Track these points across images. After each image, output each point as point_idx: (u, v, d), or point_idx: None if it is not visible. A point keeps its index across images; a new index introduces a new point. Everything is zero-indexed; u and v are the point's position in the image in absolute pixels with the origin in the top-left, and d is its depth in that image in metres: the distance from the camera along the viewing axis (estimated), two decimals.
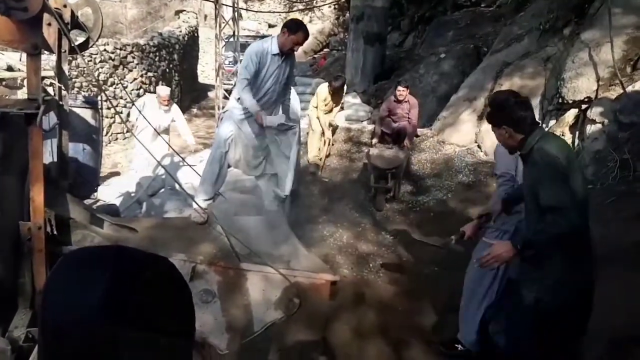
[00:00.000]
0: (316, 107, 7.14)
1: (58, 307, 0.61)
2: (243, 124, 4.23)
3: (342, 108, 9.89)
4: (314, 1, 20.05)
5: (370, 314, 3.63)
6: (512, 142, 2.41)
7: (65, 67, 3.47)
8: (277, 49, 3.99)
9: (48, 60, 5.54)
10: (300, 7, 20.14)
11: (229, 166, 4.42)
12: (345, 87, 7.38)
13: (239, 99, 4.18)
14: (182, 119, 7.27)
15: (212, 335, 3.12)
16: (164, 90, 7.11)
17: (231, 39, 12.16)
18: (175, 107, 7.21)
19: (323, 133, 7.21)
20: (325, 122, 7.16)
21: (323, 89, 7.12)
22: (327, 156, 7.43)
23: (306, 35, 4.02)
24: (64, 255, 0.66)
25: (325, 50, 19.31)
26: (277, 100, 4.30)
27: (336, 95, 7.10)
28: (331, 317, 3.46)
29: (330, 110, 7.26)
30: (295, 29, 3.93)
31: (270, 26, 24.61)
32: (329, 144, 7.35)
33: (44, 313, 0.63)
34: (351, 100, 9.96)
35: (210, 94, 16.18)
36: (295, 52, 4.17)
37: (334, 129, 7.61)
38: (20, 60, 6.64)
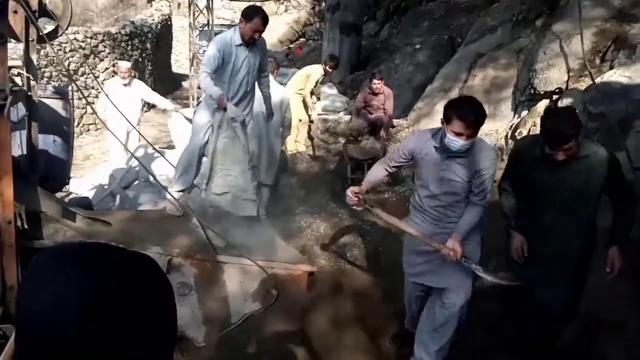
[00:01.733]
0: (302, 90, 7.06)
1: (34, 307, 0.59)
2: (213, 114, 4.16)
3: (318, 99, 9.90)
4: None
5: (347, 304, 3.67)
6: (573, 151, 2.52)
7: (34, 57, 3.37)
8: (239, 39, 3.94)
9: (15, 49, 5.37)
10: None
11: (204, 155, 4.36)
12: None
13: None
14: (148, 91, 7.21)
15: (189, 328, 3.11)
16: (123, 64, 7.12)
17: (205, 28, 11.99)
18: (138, 82, 7.22)
19: (300, 120, 7.24)
20: (312, 106, 7.20)
21: (317, 71, 7.04)
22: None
23: (264, 20, 3.96)
24: (40, 253, 0.65)
25: (301, 40, 19.22)
26: (252, 90, 4.26)
27: (326, 76, 7.16)
28: (309, 308, 3.49)
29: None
30: (251, 16, 3.87)
31: None
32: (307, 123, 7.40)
33: (19, 313, 0.61)
34: (328, 91, 9.94)
35: (185, 84, 15.94)
36: (261, 39, 4.11)
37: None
38: None
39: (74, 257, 0.63)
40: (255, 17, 3.87)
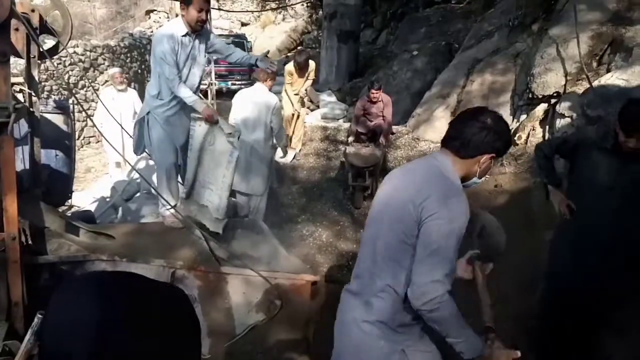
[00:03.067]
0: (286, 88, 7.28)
1: (56, 325, 0.61)
2: (169, 123, 3.83)
3: (318, 106, 9.95)
4: (287, 0, 19.99)
5: None
6: None
7: (35, 73, 3.40)
8: (184, 29, 3.65)
9: (15, 64, 5.41)
10: (273, 5, 20.06)
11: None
12: (311, 63, 7.37)
13: (158, 94, 3.76)
14: (139, 101, 7.26)
15: None
16: (114, 70, 7.25)
17: None
18: (132, 91, 7.32)
19: (293, 115, 7.30)
20: (294, 99, 7.25)
21: (289, 67, 7.25)
22: (304, 138, 7.55)
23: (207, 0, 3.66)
24: (69, 280, 0.66)
25: (299, 48, 19.29)
26: (199, 87, 3.98)
27: (302, 71, 7.18)
28: (312, 317, 3.49)
29: (300, 87, 7.35)
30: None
31: (243, 24, 24.45)
32: (296, 118, 7.43)
33: (43, 329, 0.63)
34: (327, 98, 9.99)
35: None
36: (205, 29, 3.79)
37: (302, 100, 7.67)
38: None
39: (99, 282, 0.65)
40: None
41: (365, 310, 1.98)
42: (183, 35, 3.68)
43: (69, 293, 0.63)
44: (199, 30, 3.74)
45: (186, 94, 3.67)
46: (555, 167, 3.29)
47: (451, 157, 1.90)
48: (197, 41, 3.79)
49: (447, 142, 1.94)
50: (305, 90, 7.68)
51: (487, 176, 5.80)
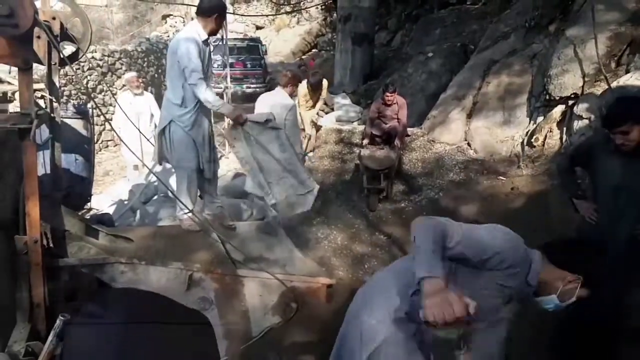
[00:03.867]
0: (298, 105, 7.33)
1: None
2: (193, 128, 3.88)
3: (332, 109, 9.98)
4: (301, 2, 20.08)
5: None
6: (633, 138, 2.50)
7: (56, 79, 3.48)
8: (204, 34, 3.73)
9: (35, 70, 5.52)
10: (288, 9, 20.15)
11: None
12: (324, 83, 7.43)
13: (182, 103, 3.80)
14: (155, 105, 7.31)
15: None
16: (130, 74, 7.30)
17: (219, 43, 12.15)
18: (149, 95, 7.40)
19: (303, 129, 7.36)
20: (307, 119, 7.28)
21: (302, 86, 7.27)
22: (312, 150, 7.58)
23: (223, 7, 3.80)
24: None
25: (313, 51, 19.35)
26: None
27: (315, 92, 7.21)
28: (328, 320, 3.50)
29: (313, 107, 7.37)
30: (216, 9, 3.72)
31: (257, 28, 24.60)
32: (308, 139, 7.46)
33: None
34: (341, 101, 10.01)
35: None
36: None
37: (317, 128, 7.72)
38: (9, 73, 6.62)
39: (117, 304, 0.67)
40: (219, 8, 3.74)
41: None
42: (203, 41, 3.77)
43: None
44: (210, 36, 3.85)
45: (213, 98, 3.74)
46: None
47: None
48: (209, 48, 3.90)
49: None
50: (317, 113, 7.75)
51: (503, 179, 5.78)
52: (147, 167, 6.26)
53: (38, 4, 3.17)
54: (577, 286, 1.73)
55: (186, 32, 3.76)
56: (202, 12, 3.74)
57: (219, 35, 11.88)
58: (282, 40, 20.60)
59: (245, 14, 21.54)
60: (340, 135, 8.03)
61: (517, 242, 1.79)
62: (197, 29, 3.75)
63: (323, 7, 17.80)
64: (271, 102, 5.28)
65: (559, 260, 1.79)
